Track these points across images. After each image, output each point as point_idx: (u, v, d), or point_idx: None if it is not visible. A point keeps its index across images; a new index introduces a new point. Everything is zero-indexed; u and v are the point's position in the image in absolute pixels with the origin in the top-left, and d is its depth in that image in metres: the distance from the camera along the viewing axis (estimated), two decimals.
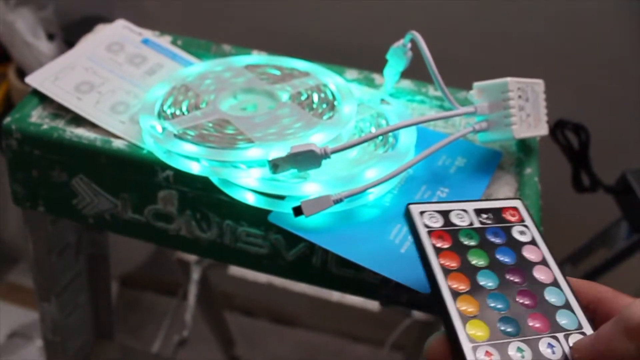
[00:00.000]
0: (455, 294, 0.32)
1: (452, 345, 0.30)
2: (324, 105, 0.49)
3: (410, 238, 0.42)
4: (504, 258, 0.34)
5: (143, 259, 1.27)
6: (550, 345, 0.30)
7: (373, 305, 0.94)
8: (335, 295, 0.93)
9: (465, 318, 0.31)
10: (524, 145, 0.51)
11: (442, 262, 0.33)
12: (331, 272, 0.46)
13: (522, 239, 0.35)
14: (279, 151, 0.42)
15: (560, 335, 0.31)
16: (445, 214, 0.36)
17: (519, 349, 0.30)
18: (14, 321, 1.13)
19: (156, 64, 0.55)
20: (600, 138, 0.77)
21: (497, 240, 0.35)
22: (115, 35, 0.57)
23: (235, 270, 0.97)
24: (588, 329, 0.31)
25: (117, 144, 0.48)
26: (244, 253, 0.48)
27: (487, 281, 0.33)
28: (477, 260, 0.34)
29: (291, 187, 0.43)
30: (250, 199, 0.44)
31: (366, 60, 0.62)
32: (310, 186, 0.43)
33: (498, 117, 0.45)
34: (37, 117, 0.50)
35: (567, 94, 0.88)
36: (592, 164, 0.77)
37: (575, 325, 0.31)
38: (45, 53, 0.89)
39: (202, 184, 0.46)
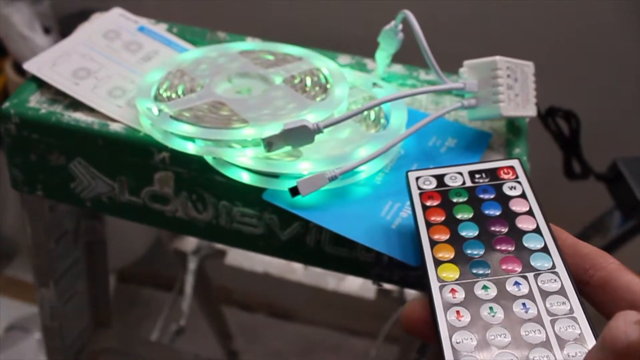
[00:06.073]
0: (433, 243, 0.34)
1: (426, 289, 0.32)
2: (317, 88, 0.49)
3: (400, 214, 0.43)
4: (489, 211, 0.35)
5: (140, 254, 1.27)
6: (517, 283, 0.31)
7: (369, 294, 0.95)
8: (331, 284, 0.94)
9: (438, 262, 0.33)
10: (513, 126, 0.52)
11: (427, 217, 0.35)
12: (324, 251, 0.47)
13: (511, 193, 0.36)
14: (272, 130, 0.43)
15: (530, 275, 0.32)
16: (439, 177, 0.37)
17: (485, 287, 0.31)
18: (12, 315, 1.13)
19: (152, 50, 0.56)
20: (590, 126, 0.78)
21: (486, 196, 0.36)
22: (112, 23, 0.58)
23: (232, 259, 0.97)
24: (562, 269, 0.32)
25: (114, 127, 0.49)
26: (239, 234, 0.49)
27: (467, 231, 0.34)
28: (462, 214, 0.35)
29: (285, 165, 0.44)
30: (244, 178, 0.45)
31: (359, 48, 0.62)
32: (304, 164, 0.44)
33: (486, 94, 0.46)
34: (35, 102, 0.51)
35: (558, 82, 0.89)
36: (583, 151, 0.78)
37: (549, 265, 0.32)
38: (42, 46, 0.90)
39: (197, 164, 0.47)
